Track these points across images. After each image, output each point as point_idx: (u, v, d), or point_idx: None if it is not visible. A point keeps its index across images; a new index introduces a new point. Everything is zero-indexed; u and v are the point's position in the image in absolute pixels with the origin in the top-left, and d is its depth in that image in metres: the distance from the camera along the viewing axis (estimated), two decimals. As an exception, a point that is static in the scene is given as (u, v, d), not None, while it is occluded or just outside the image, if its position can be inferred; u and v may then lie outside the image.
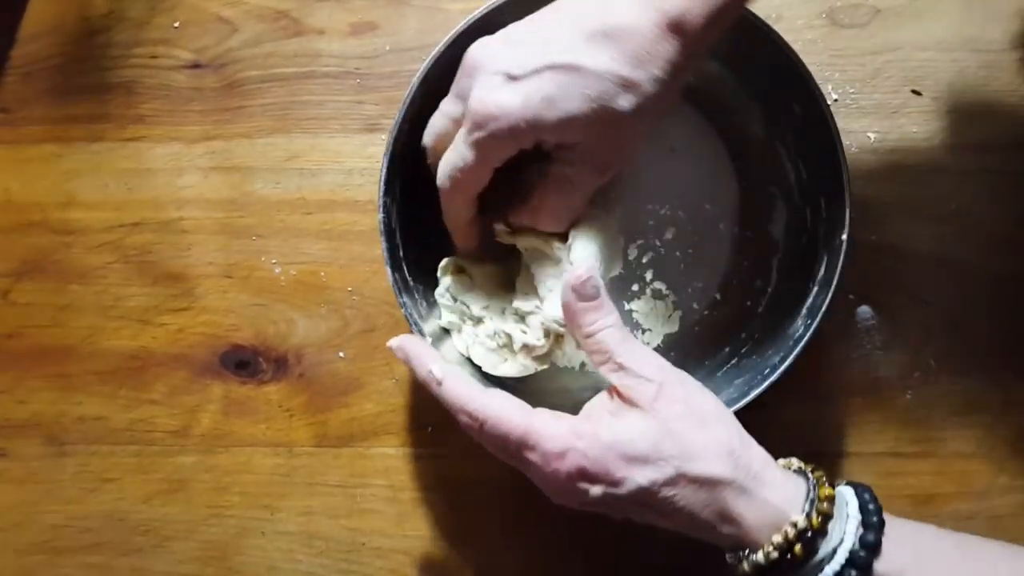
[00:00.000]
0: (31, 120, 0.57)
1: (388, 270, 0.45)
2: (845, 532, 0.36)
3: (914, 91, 0.53)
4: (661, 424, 0.37)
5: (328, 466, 0.54)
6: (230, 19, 0.56)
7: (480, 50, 0.39)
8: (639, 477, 0.37)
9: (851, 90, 0.53)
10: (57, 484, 0.55)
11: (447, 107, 0.42)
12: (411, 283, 0.47)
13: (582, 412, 0.40)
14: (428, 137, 0.43)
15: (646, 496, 0.37)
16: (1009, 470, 0.51)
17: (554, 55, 0.37)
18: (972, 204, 0.52)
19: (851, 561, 0.36)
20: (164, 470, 0.55)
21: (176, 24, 0.56)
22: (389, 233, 0.45)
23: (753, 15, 0.44)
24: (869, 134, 0.53)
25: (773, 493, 0.37)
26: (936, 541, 0.38)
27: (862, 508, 0.37)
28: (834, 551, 0.36)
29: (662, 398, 0.38)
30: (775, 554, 0.36)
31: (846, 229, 0.44)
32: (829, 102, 0.45)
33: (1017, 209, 0.52)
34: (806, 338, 0.44)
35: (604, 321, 0.39)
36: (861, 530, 0.36)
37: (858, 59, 0.53)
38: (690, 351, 0.51)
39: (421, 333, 0.45)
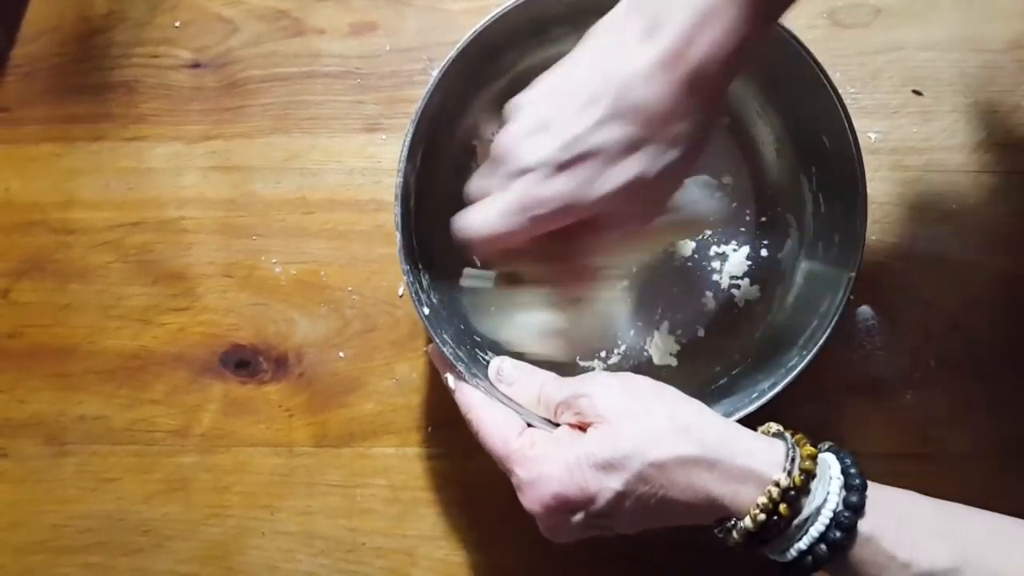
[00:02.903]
0: (31, 119, 0.57)
1: (398, 236, 0.44)
2: (828, 492, 0.36)
3: (915, 91, 0.53)
4: (609, 426, 0.39)
5: (328, 466, 0.54)
6: (231, 19, 0.56)
7: (514, 139, 0.39)
8: (612, 483, 0.37)
9: (852, 90, 0.53)
10: (57, 483, 0.55)
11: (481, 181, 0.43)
12: (417, 254, 0.47)
13: (552, 438, 0.41)
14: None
15: (625, 500, 0.38)
16: (1009, 470, 0.51)
17: (583, 144, 0.38)
18: (972, 204, 0.52)
19: (835, 522, 0.36)
20: (164, 470, 0.55)
21: (177, 24, 0.56)
22: (404, 200, 0.45)
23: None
24: (870, 134, 0.53)
25: (748, 459, 0.37)
26: (919, 505, 0.38)
27: (844, 471, 0.37)
28: (818, 511, 0.36)
29: (600, 404, 0.39)
30: (762, 516, 0.36)
31: (856, 267, 0.44)
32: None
33: (1017, 208, 0.52)
34: (799, 368, 0.44)
35: (529, 389, 0.44)
36: (844, 492, 0.36)
37: (859, 59, 0.53)
38: (681, 367, 0.51)
39: (420, 303, 0.45)
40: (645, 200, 0.40)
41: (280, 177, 0.55)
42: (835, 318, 0.43)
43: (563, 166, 0.38)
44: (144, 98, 0.56)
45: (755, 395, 0.44)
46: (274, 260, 0.55)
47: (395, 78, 0.55)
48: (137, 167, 0.56)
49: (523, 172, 0.39)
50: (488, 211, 0.40)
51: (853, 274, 0.44)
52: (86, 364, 0.55)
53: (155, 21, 0.56)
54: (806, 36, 0.53)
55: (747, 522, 0.37)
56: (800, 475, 0.36)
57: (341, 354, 0.54)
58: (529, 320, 0.48)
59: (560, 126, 0.38)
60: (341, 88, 0.55)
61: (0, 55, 0.57)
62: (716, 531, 0.39)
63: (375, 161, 0.55)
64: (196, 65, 0.56)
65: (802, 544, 0.36)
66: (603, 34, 0.39)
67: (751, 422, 0.42)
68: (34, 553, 0.55)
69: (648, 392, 0.41)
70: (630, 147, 0.38)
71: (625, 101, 0.37)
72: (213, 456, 0.55)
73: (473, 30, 0.45)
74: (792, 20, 0.53)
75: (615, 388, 0.41)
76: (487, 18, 0.45)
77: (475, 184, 0.43)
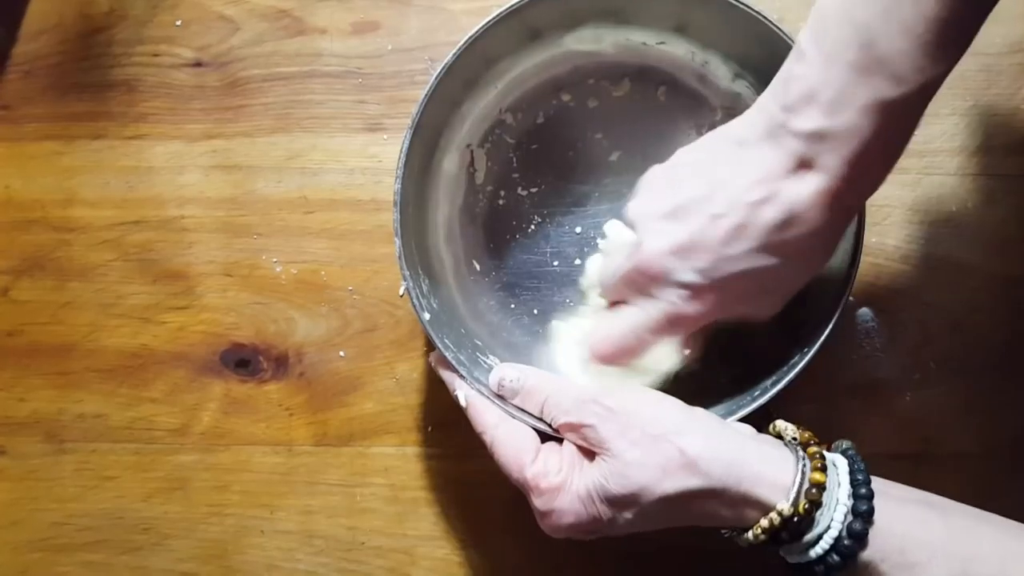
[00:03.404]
0: (32, 118, 0.57)
1: (397, 242, 0.45)
2: (832, 519, 0.36)
3: (914, 93, 0.53)
4: (616, 462, 0.38)
5: (328, 465, 0.54)
6: (232, 18, 0.56)
7: (658, 262, 0.40)
8: (625, 514, 0.38)
9: (852, 92, 0.53)
10: (57, 482, 0.55)
11: (617, 289, 0.45)
12: (416, 259, 0.47)
13: (564, 462, 0.42)
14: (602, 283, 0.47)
15: (638, 523, 0.39)
16: (1009, 470, 0.51)
17: (727, 270, 0.39)
18: (971, 206, 0.53)
19: (835, 549, 0.36)
20: (164, 468, 0.55)
21: (178, 22, 0.56)
22: (403, 206, 0.45)
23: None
24: (870, 136, 0.53)
25: (754, 486, 0.37)
26: (923, 525, 0.37)
27: (854, 492, 0.37)
28: (820, 536, 0.36)
29: (604, 436, 0.39)
30: (764, 536, 0.37)
31: (856, 264, 0.44)
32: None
33: (1016, 211, 0.52)
34: (801, 364, 0.43)
35: (532, 403, 0.44)
36: (850, 517, 0.36)
37: (859, 61, 0.53)
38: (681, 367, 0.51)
39: (420, 309, 0.45)
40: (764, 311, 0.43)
41: (281, 176, 0.55)
42: (837, 314, 0.43)
43: (704, 289, 0.40)
44: (145, 97, 0.56)
45: (757, 393, 0.44)
46: (275, 259, 0.55)
47: (396, 78, 0.55)
48: (138, 166, 0.56)
49: (667, 291, 0.41)
50: (633, 325, 0.43)
51: (854, 271, 0.44)
52: (86, 362, 0.55)
53: (156, 20, 0.56)
54: (807, 38, 0.53)
55: (750, 537, 0.37)
56: (805, 504, 0.36)
57: (341, 353, 0.54)
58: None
59: (705, 251, 0.39)
60: (342, 88, 0.55)
61: (1, 53, 0.57)
62: (723, 532, 0.39)
63: (376, 161, 0.55)
64: (197, 64, 0.56)
65: (802, 559, 0.37)
66: (745, 156, 0.39)
67: (753, 420, 0.42)
68: (33, 551, 0.55)
69: (652, 418, 0.39)
70: (769, 274, 0.39)
71: (780, 233, 0.38)
72: (213, 455, 0.55)
73: (467, 36, 0.45)
74: (793, 22, 0.54)
75: (618, 417, 0.40)
76: (482, 23, 0.45)
77: (609, 286, 0.45)
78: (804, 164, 0.37)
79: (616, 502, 0.38)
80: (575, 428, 0.41)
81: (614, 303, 0.46)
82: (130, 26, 0.56)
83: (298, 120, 0.55)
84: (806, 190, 0.37)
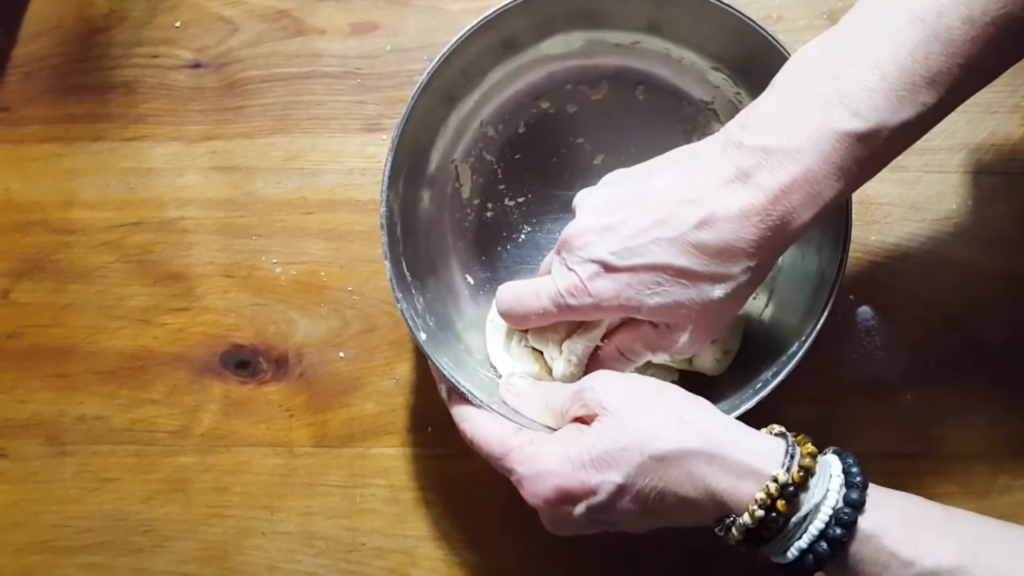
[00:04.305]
0: (32, 119, 0.57)
1: (387, 265, 0.45)
2: (828, 489, 0.36)
3: (914, 92, 0.53)
4: (612, 418, 0.39)
5: (328, 466, 0.54)
6: (231, 19, 0.56)
7: (579, 236, 0.41)
8: (612, 476, 0.38)
9: (851, 91, 0.53)
10: (57, 484, 0.55)
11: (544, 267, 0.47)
12: (409, 279, 0.47)
13: (552, 435, 0.42)
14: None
15: (626, 494, 0.38)
16: (1009, 470, 0.51)
17: (638, 257, 0.39)
18: (972, 204, 0.52)
19: (836, 519, 0.36)
20: (164, 470, 0.55)
21: (177, 24, 0.56)
22: (391, 228, 0.46)
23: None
24: (869, 135, 0.53)
25: (748, 455, 0.37)
26: (922, 507, 0.38)
27: (846, 471, 0.37)
28: (817, 507, 0.36)
29: (604, 396, 0.40)
30: (760, 512, 0.36)
31: (846, 247, 0.44)
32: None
33: (1017, 209, 0.52)
34: (799, 355, 0.43)
35: (536, 399, 0.45)
36: (844, 489, 0.36)
37: (858, 60, 0.53)
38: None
39: (416, 329, 0.45)
40: (703, 324, 0.41)
41: (280, 177, 0.55)
42: (831, 299, 0.43)
43: (613, 269, 0.40)
44: (144, 98, 0.56)
45: (759, 385, 0.44)
46: (274, 260, 0.55)
47: (395, 78, 0.55)
48: (137, 167, 0.56)
49: (578, 263, 0.41)
50: (534, 290, 0.43)
51: (844, 256, 0.44)
52: (86, 364, 0.55)
53: (155, 21, 0.56)
54: (806, 37, 0.53)
55: (746, 518, 0.37)
56: (799, 472, 0.36)
57: (341, 354, 0.54)
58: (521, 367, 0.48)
59: (624, 234, 0.40)
60: (341, 88, 0.55)
61: (1, 55, 0.57)
62: (716, 529, 0.39)
63: (375, 161, 0.55)
64: (196, 65, 0.56)
65: (802, 542, 0.36)
66: (692, 163, 0.40)
67: (756, 415, 0.42)
68: (34, 553, 0.55)
69: (652, 389, 0.41)
70: (683, 275, 0.39)
71: (699, 233, 0.38)
72: (213, 456, 0.55)
73: (442, 52, 0.45)
74: (792, 21, 0.54)
75: (620, 383, 0.41)
76: (456, 38, 0.45)
77: (543, 262, 0.47)
78: (741, 177, 0.38)
79: (605, 458, 0.38)
80: (578, 395, 0.41)
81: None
82: (129, 28, 0.57)
83: (297, 121, 0.55)
84: (733, 201, 0.38)
